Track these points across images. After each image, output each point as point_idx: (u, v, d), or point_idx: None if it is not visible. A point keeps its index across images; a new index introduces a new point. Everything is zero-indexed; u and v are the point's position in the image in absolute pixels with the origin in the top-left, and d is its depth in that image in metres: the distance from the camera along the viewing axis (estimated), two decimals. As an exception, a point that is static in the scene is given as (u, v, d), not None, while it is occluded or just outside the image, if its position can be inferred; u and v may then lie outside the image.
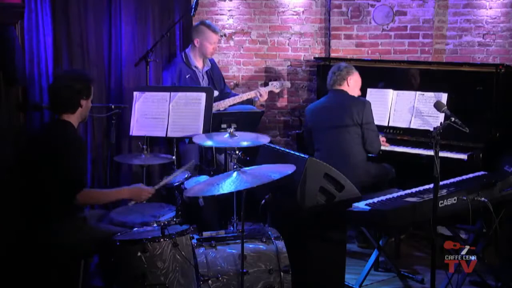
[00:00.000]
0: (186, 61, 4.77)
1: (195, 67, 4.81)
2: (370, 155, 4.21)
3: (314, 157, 4.12)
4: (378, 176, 4.12)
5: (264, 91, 5.09)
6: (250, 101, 5.10)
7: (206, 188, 2.90)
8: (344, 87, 4.23)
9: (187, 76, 4.73)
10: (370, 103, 4.14)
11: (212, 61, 4.99)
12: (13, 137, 3.66)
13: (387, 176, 4.21)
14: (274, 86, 5.21)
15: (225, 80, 5.24)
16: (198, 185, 3.10)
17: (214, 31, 4.82)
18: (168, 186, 3.99)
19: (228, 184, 2.83)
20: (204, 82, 4.86)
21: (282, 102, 5.74)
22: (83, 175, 3.13)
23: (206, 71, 4.90)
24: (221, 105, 4.82)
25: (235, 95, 5.05)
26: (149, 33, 4.77)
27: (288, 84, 5.38)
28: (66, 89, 3.11)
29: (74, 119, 3.15)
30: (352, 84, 4.25)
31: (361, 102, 4.15)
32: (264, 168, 3.08)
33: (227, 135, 3.43)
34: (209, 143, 3.51)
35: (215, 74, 4.97)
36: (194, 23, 5.37)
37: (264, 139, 3.48)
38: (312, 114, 4.28)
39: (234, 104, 4.94)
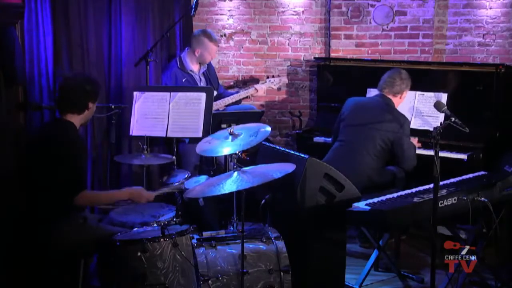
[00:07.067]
0: (181, 67, 4.77)
1: (191, 70, 4.80)
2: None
3: (332, 146, 4.13)
4: (382, 186, 3.98)
5: (261, 88, 5.09)
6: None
7: (207, 189, 2.89)
8: (396, 98, 4.11)
9: (183, 80, 4.73)
10: (409, 121, 4.05)
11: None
12: (13, 137, 3.66)
13: (393, 183, 4.05)
14: (272, 83, 5.21)
15: (225, 80, 5.22)
16: (198, 186, 3.08)
17: (215, 42, 4.85)
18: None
19: (229, 184, 2.82)
20: (202, 84, 4.85)
21: (282, 102, 5.74)
22: (82, 177, 3.13)
23: (203, 72, 4.90)
24: (219, 105, 4.82)
25: (229, 94, 5.04)
26: (149, 33, 4.77)
27: (285, 79, 5.36)
28: (78, 89, 3.15)
29: (77, 120, 3.17)
30: (403, 98, 4.18)
31: (401, 120, 3.99)
32: (264, 167, 3.07)
33: (229, 139, 3.16)
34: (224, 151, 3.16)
35: (211, 74, 4.97)
36: (194, 22, 5.39)
37: (265, 129, 3.21)
38: (351, 106, 4.17)
39: (233, 103, 4.94)
